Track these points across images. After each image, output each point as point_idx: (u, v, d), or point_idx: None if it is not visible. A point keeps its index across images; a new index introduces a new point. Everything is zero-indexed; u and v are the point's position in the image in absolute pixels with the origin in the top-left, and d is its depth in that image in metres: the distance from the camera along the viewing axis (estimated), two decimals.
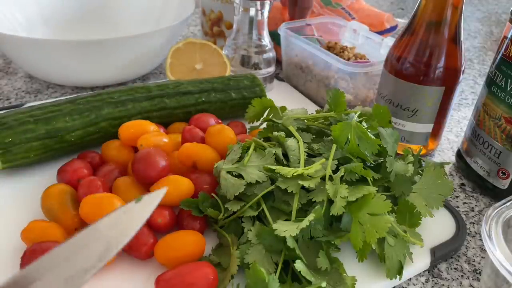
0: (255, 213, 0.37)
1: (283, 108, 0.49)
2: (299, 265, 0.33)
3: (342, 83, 0.61)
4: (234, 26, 0.63)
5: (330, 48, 0.68)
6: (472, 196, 0.51)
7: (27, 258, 0.33)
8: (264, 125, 0.52)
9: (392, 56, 0.51)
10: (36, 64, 0.62)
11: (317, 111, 0.51)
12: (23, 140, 0.44)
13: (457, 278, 0.40)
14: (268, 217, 0.37)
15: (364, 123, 0.43)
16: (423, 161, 0.47)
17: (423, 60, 0.48)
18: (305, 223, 0.33)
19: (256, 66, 0.64)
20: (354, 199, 0.36)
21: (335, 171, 0.39)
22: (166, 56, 0.62)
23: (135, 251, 0.36)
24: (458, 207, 0.49)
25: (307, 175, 0.38)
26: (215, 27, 0.75)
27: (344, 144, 0.41)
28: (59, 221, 0.38)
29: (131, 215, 0.28)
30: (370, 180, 0.39)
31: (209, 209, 0.39)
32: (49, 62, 0.60)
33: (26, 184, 0.45)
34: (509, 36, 0.44)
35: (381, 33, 0.75)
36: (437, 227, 0.43)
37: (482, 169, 0.49)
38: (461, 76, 0.50)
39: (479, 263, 0.42)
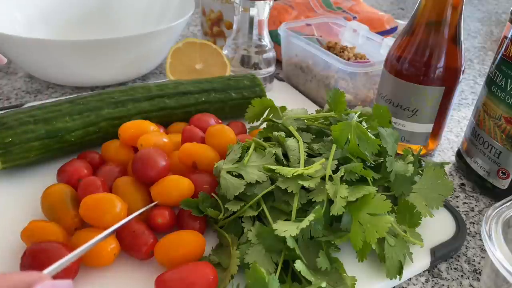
0: (255, 213, 0.37)
1: (283, 108, 0.49)
2: (299, 265, 0.33)
3: (342, 83, 0.61)
4: (234, 26, 0.63)
5: (330, 48, 0.68)
6: (472, 196, 0.51)
7: (27, 258, 0.33)
8: (264, 125, 0.52)
9: (392, 56, 0.51)
10: (36, 64, 0.62)
11: (317, 111, 0.51)
12: (23, 140, 0.44)
13: (457, 278, 0.40)
14: (268, 217, 0.37)
15: (364, 123, 0.43)
16: (423, 161, 0.47)
17: (423, 60, 0.48)
18: (305, 223, 0.33)
19: (256, 66, 0.64)
20: (354, 199, 0.36)
21: (335, 171, 0.39)
22: (166, 56, 0.62)
23: (135, 251, 0.36)
24: (458, 207, 0.49)
25: (307, 175, 0.38)
26: (215, 27, 0.75)
27: (344, 144, 0.41)
28: (59, 221, 0.38)
29: None
30: (370, 180, 0.39)
31: (209, 209, 0.39)
32: (49, 62, 0.60)
33: (26, 184, 0.45)
34: (509, 36, 0.44)
35: (381, 34, 0.75)
36: (437, 227, 0.43)
37: (482, 169, 0.49)
38: (461, 76, 0.50)
39: (479, 263, 0.42)
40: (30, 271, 0.22)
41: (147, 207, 0.39)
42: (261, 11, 0.61)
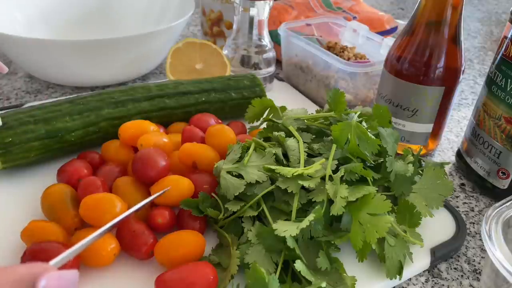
0: (255, 213, 0.37)
1: (283, 108, 0.49)
2: (299, 265, 0.33)
3: (342, 83, 0.61)
4: (234, 26, 0.63)
5: (330, 48, 0.68)
6: (472, 196, 0.51)
7: (27, 258, 0.33)
8: (264, 125, 0.52)
9: (392, 56, 0.51)
10: (36, 64, 0.62)
11: (317, 111, 0.51)
12: (23, 140, 0.44)
13: (457, 278, 0.40)
14: (268, 217, 0.37)
15: (364, 123, 0.43)
16: (423, 161, 0.47)
17: (423, 60, 0.48)
18: (305, 223, 0.33)
19: (256, 66, 0.64)
20: (354, 199, 0.36)
21: (335, 171, 0.39)
22: (166, 56, 0.62)
23: (135, 251, 0.36)
24: (458, 207, 0.49)
25: (307, 175, 0.38)
26: (215, 27, 0.75)
27: (344, 144, 0.41)
28: (59, 221, 0.38)
29: None
30: (370, 180, 0.39)
31: (209, 209, 0.39)
32: (49, 62, 0.60)
33: (26, 184, 0.45)
34: (509, 36, 0.44)
35: (381, 34, 0.75)
36: (437, 227, 0.43)
37: (482, 169, 0.49)
38: (461, 76, 0.50)
39: (479, 263, 0.42)
40: (34, 262, 0.22)
41: (155, 196, 0.39)
42: (261, 11, 0.61)
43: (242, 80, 0.57)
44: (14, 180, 0.45)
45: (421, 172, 0.45)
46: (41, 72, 0.64)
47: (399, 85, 0.50)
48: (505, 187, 0.47)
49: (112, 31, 0.77)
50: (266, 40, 0.64)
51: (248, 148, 0.42)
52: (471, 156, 0.51)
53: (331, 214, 0.35)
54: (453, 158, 0.57)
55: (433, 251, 0.40)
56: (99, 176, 0.41)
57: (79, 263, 0.35)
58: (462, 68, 0.49)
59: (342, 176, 0.38)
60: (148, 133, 0.45)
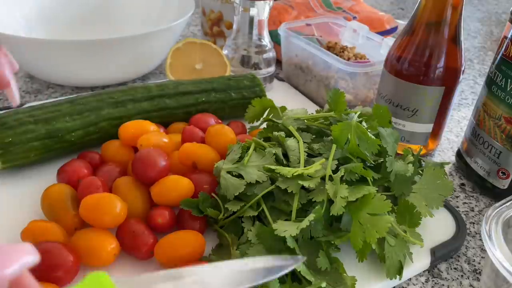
0: (255, 213, 0.37)
1: (283, 108, 0.49)
2: (299, 265, 0.33)
3: (342, 83, 0.61)
4: (234, 26, 0.63)
5: (330, 48, 0.68)
6: (472, 196, 0.51)
7: None
8: (264, 125, 0.52)
9: (392, 56, 0.51)
10: (36, 64, 0.62)
11: (317, 111, 0.51)
12: (23, 140, 0.44)
13: (457, 278, 0.40)
14: (268, 217, 0.37)
15: (364, 123, 0.43)
16: (423, 161, 0.47)
17: (423, 60, 0.48)
18: (305, 223, 0.33)
19: (256, 66, 0.64)
20: (354, 199, 0.36)
21: (335, 171, 0.39)
22: (166, 56, 0.62)
23: (135, 251, 0.36)
24: (458, 207, 0.49)
25: (307, 175, 0.38)
26: (215, 27, 0.75)
27: (344, 144, 0.41)
28: (59, 221, 0.38)
29: None
30: (370, 180, 0.39)
31: (209, 209, 0.39)
32: (49, 62, 0.60)
33: (26, 184, 0.45)
34: (509, 36, 0.44)
35: (381, 34, 0.75)
36: (437, 227, 0.43)
37: (482, 169, 0.49)
38: (461, 76, 0.50)
39: (479, 263, 0.42)
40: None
41: None
42: (261, 11, 0.61)
43: (242, 80, 0.57)
44: (14, 180, 0.45)
45: (421, 172, 0.45)
46: (41, 72, 0.64)
47: (399, 85, 0.50)
48: (505, 187, 0.47)
49: (112, 31, 0.77)
50: (266, 40, 0.64)
51: (248, 148, 0.42)
52: (471, 156, 0.51)
53: (331, 214, 0.35)
54: (453, 158, 0.57)
55: (433, 251, 0.40)
56: (99, 176, 0.41)
57: (79, 263, 0.35)
58: (462, 68, 0.49)
59: (342, 176, 0.38)
60: (148, 133, 0.45)
